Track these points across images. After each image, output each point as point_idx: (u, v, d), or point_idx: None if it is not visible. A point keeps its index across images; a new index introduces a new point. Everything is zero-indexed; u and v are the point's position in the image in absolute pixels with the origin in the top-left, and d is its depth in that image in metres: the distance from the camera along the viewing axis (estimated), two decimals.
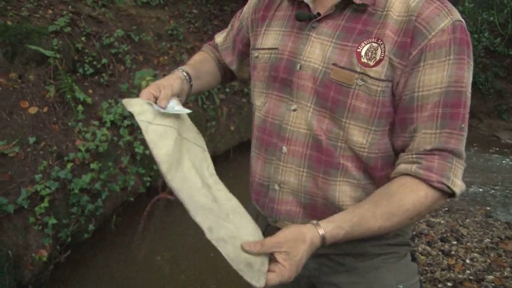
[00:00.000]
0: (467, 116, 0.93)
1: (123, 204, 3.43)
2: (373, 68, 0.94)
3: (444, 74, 0.90)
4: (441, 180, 0.90)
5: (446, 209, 3.95)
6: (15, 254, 2.53)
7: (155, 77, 3.80)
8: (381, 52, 0.94)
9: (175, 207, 3.74)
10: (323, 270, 1.12)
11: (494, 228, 3.51)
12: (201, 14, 6.09)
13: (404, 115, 0.95)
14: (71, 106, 3.38)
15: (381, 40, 0.94)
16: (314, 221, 0.91)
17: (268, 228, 1.15)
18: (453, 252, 3.07)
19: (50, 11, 3.92)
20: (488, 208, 4.07)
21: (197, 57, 1.36)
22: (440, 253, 3.07)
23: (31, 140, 2.96)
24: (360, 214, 0.92)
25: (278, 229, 0.94)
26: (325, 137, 1.01)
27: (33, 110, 3.18)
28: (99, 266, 3.12)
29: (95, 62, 3.84)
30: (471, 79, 0.93)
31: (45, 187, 2.77)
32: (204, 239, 0.92)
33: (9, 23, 3.45)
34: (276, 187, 1.09)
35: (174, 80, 1.12)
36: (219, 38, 1.37)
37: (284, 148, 1.06)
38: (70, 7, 4.12)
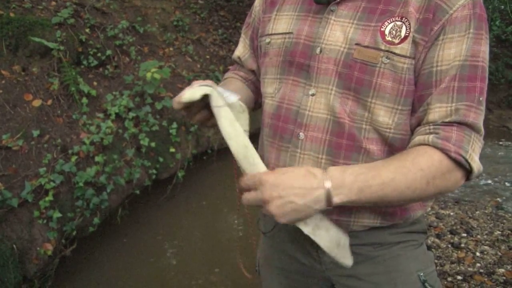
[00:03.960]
0: (485, 90, 0.91)
1: (129, 197, 3.41)
2: (398, 46, 0.93)
3: (462, 47, 0.90)
4: (458, 151, 0.87)
5: (455, 201, 3.89)
6: (20, 248, 2.52)
7: (160, 69, 3.76)
8: (406, 29, 0.93)
9: (180, 201, 3.72)
10: None
11: (504, 220, 3.44)
12: (206, 4, 6.02)
13: (422, 92, 0.94)
14: (75, 99, 3.36)
15: (405, 18, 0.93)
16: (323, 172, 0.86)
17: (277, 226, 1.13)
18: (462, 245, 3.02)
19: (53, 3, 3.89)
20: (498, 199, 4.00)
21: (221, 83, 1.27)
22: (449, 245, 3.02)
23: (35, 133, 2.94)
24: (372, 164, 0.89)
25: (293, 227, 0.89)
26: (348, 119, 0.97)
27: (37, 102, 3.16)
28: (105, 260, 3.11)
29: (99, 54, 3.81)
30: (488, 52, 0.93)
31: (49, 181, 2.75)
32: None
33: (12, 15, 3.42)
34: None
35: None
36: (237, 52, 1.30)
37: (302, 135, 1.01)
38: None
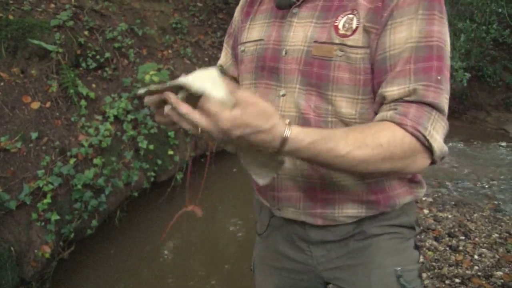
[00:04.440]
0: (444, 69, 0.90)
1: (127, 200, 3.41)
2: (350, 37, 0.95)
3: (413, 29, 0.90)
4: (416, 127, 0.85)
5: (454, 203, 3.90)
6: (17, 250, 2.51)
7: (159, 71, 3.77)
8: (357, 20, 0.95)
9: (178, 204, 3.71)
10: (331, 256, 1.11)
11: (502, 223, 3.45)
12: (205, 7, 6.03)
13: (379, 78, 0.94)
14: (74, 101, 3.36)
15: (356, 10, 0.95)
16: (288, 120, 0.83)
17: (272, 220, 1.17)
18: (460, 248, 3.02)
19: (52, 5, 3.89)
20: (496, 202, 4.01)
21: None
22: (447, 248, 3.03)
23: (34, 135, 2.94)
24: (332, 132, 0.87)
25: (283, 219, 0.99)
26: (313, 114, 1.00)
27: (35, 105, 3.16)
28: (103, 262, 3.10)
29: (98, 57, 3.81)
30: (446, 33, 0.92)
31: (47, 183, 2.75)
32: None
33: (11, 17, 3.42)
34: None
35: None
36: (220, 61, 1.35)
37: None
38: (72, 0, 4.09)
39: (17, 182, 2.70)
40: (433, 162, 0.90)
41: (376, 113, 0.95)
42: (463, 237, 3.19)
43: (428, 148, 0.86)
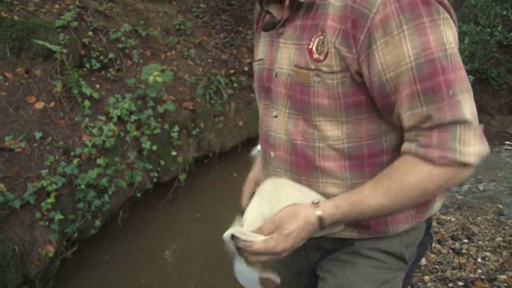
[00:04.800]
0: (454, 77, 0.82)
1: (130, 200, 3.41)
2: (323, 62, 0.91)
3: (404, 48, 0.82)
4: (443, 155, 0.82)
5: (457, 206, 3.88)
6: (21, 249, 2.52)
7: (162, 72, 3.78)
8: (326, 43, 0.90)
9: (181, 204, 3.71)
10: (324, 258, 1.15)
11: (506, 227, 3.44)
12: (208, 8, 6.04)
13: (383, 100, 0.89)
14: (77, 101, 3.37)
15: (325, 32, 0.90)
16: (316, 200, 0.93)
17: None
18: (464, 251, 3.01)
19: (56, 6, 3.90)
20: (500, 206, 3.99)
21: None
22: (450, 251, 3.02)
23: (38, 135, 2.94)
24: (359, 192, 0.90)
25: None
26: (301, 139, 1.01)
27: (39, 105, 3.17)
28: (106, 262, 3.11)
29: (102, 57, 3.82)
30: (445, 35, 0.82)
31: (51, 183, 2.75)
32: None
33: (15, 17, 3.43)
34: None
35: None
36: None
37: (272, 154, 1.09)
38: (77, 1, 4.11)
39: (21, 182, 2.71)
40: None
41: (400, 133, 0.93)
42: (466, 240, 3.18)
43: (466, 163, 0.83)
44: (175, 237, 3.44)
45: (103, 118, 3.41)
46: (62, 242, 2.76)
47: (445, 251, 3.02)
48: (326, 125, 0.96)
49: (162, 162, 3.62)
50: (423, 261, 2.84)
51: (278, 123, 1.05)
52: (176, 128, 3.76)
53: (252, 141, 4.61)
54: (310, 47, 0.93)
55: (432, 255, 2.95)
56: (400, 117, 0.87)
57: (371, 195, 0.88)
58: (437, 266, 2.81)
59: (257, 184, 1.26)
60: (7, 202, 2.52)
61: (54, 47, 3.38)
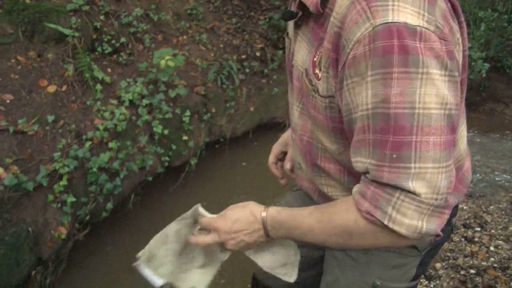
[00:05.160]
0: (408, 143, 0.73)
1: (141, 184, 3.42)
2: (319, 82, 0.87)
3: (364, 94, 0.75)
4: (371, 211, 0.78)
5: (469, 195, 3.84)
6: (35, 231, 2.55)
7: (174, 57, 3.76)
8: (322, 65, 0.86)
9: (192, 189, 3.71)
10: None
11: None
12: None
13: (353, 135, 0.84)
14: (89, 85, 3.37)
15: (321, 51, 0.85)
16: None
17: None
18: (476, 239, 2.99)
19: None
20: None
21: None
22: (463, 239, 2.99)
23: (50, 118, 2.96)
24: (301, 210, 0.93)
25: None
26: (307, 136, 1.02)
27: (52, 88, 3.18)
28: (118, 245, 3.13)
29: (113, 41, 3.81)
30: (418, 93, 0.71)
31: (63, 166, 2.77)
32: None
33: (27, 1, 3.43)
34: (298, 165, 1.19)
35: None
36: None
37: (293, 136, 1.14)
38: None
39: (34, 164, 2.73)
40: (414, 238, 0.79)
41: None
42: (478, 229, 3.15)
43: (394, 231, 0.77)
44: None
45: (115, 102, 3.41)
46: (74, 224, 2.79)
47: (457, 239, 3.00)
48: (322, 136, 0.96)
49: (174, 147, 3.62)
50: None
51: (293, 114, 1.08)
52: (188, 113, 3.76)
53: (263, 127, 4.59)
54: (314, 59, 0.88)
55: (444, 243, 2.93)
56: (353, 157, 0.83)
57: (306, 217, 0.90)
58: (448, 254, 2.79)
59: (286, 145, 1.37)
60: (20, 184, 2.54)
61: (66, 31, 3.38)
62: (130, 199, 3.36)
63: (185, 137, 3.74)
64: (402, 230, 0.76)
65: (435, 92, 0.71)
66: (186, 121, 3.73)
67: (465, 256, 2.76)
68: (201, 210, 1.11)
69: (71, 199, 2.71)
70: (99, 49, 3.71)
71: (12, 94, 2.99)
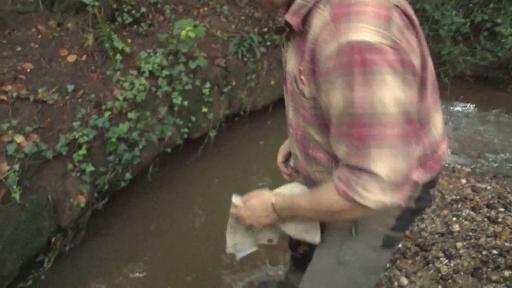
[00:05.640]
0: (369, 134, 0.92)
1: (160, 155, 3.43)
2: (304, 86, 1.06)
3: (338, 97, 0.93)
4: (346, 192, 0.99)
5: (493, 175, 3.73)
6: (54, 199, 2.58)
7: (195, 28, 3.70)
8: (304, 71, 1.04)
9: (210, 162, 3.66)
10: None
11: None
12: None
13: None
14: (109, 55, 3.35)
15: (303, 61, 1.04)
16: (279, 192, 1.29)
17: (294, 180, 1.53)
18: (500, 220, 2.90)
19: None
20: None
21: None
22: (485, 219, 2.91)
23: (70, 88, 2.96)
24: (300, 195, 1.21)
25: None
26: (301, 131, 1.21)
27: (71, 58, 3.17)
28: (135, 215, 3.16)
29: (133, 11, 3.77)
30: (377, 96, 0.89)
31: (83, 135, 2.78)
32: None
33: None
34: (295, 156, 1.35)
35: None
36: None
37: (290, 130, 1.29)
38: None
39: (54, 133, 2.74)
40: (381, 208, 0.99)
41: None
42: (502, 209, 3.06)
43: (364, 206, 0.98)
44: (203, 193, 3.46)
45: (135, 72, 3.39)
46: (93, 193, 2.81)
47: (480, 219, 2.92)
48: (312, 131, 1.15)
49: (193, 118, 3.60)
50: (456, 227, 2.76)
51: (289, 112, 1.26)
52: (208, 85, 3.71)
53: (283, 101, 4.51)
54: (300, 67, 1.05)
55: (466, 222, 2.86)
56: (333, 146, 1.04)
57: (302, 201, 1.15)
58: (470, 233, 2.72)
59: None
60: (40, 153, 2.56)
61: (86, 0, 3.35)
62: (149, 170, 3.37)
63: (204, 109, 3.71)
64: (370, 205, 0.96)
65: (389, 94, 0.89)
66: (206, 93, 3.70)
67: (488, 236, 2.69)
68: (233, 199, 1.36)
69: (90, 168, 2.72)
70: (119, 19, 3.67)
71: (32, 63, 3.00)
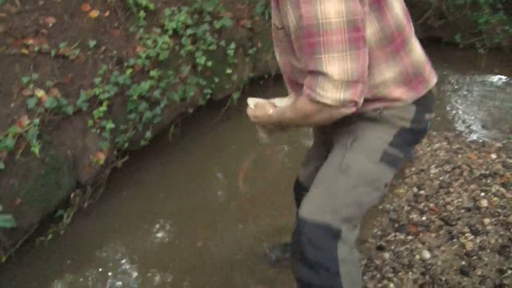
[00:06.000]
0: (318, 42, 1.12)
1: (182, 116, 3.38)
2: (276, 19, 1.37)
3: (291, 16, 1.21)
4: (309, 94, 1.19)
5: None
6: (74, 155, 2.58)
7: None
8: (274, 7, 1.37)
9: (232, 125, 3.57)
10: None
11: None
12: None
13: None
14: (132, 12, 3.26)
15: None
16: (278, 105, 1.54)
17: (313, 131, 2.01)
18: None
19: None
20: None
21: None
22: None
23: (92, 43, 2.90)
24: (284, 107, 1.43)
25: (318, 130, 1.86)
26: (288, 66, 1.46)
27: (94, 13, 3.10)
28: (155, 175, 3.15)
29: None
30: (320, 9, 1.09)
31: (104, 91, 2.74)
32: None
33: None
34: (289, 90, 1.64)
35: None
36: None
37: (282, 69, 1.56)
38: None
39: (75, 89, 2.72)
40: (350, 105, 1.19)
41: None
42: None
43: (324, 104, 1.17)
44: (224, 156, 3.41)
45: (158, 30, 3.31)
46: (113, 151, 2.80)
47: (510, 196, 2.79)
48: (292, 59, 1.39)
49: (216, 79, 3.51)
50: (484, 203, 2.64)
51: (278, 56, 1.53)
52: (233, 46, 3.60)
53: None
54: (272, 4, 1.38)
55: (495, 198, 2.74)
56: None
57: (287, 111, 1.37)
58: (499, 210, 2.60)
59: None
60: (60, 108, 2.54)
61: None
62: (170, 130, 3.33)
63: (228, 71, 3.61)
64: (328, 102, 1.15)
65: (330, 5, 1.08)
66: (230, 54, 3.59)
67: None
68: (248, 101, 1.66)
69: (110, 125, 2.70)
70: None
71: (54, 17, 2.95)
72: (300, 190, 1.86)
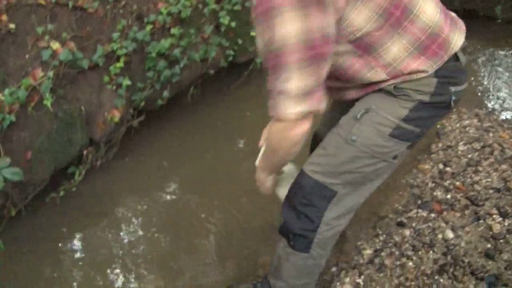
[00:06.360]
0: (272, 64, 1.12)
1: (202, 77, 3.26)
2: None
3: (259, 41, 1.14)
4: (272, 114, 1.19)
5: None
6: (88, 111, 2.52)
7: None
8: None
9: (253, 90, 3.44)
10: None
11: None
12: None
13: None
14: None
15: None
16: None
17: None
18: None
19: None
20: None
21: None
22: None
23: None
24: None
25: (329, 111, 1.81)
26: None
27: None
28: (171, 136, 3.08)
29: None
30: (276, 34, 1.06)
31: (121, 47, 2.65)
32: None
33: None
34: None
35: None
36: None
37: None
38: None
39: (92, 43, 2.63)
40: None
41: None
42: None
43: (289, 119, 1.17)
44: (244, 120, 3.31)
45: None
46: (128, 109, 2.72)
47: None
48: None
49: (240, 41, 3.37)
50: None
51: None
52: None
53: None
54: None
55: None
56: None
57: (265, 146, 1.46)
58: None
59: None
60: (75, 62, 2.46)
61: None
62: (189, 91, 3.23)
63: (253, 33, 3.46)
64: (292, 117, 1.15)
65: (288, 28, 1.05)
66: None
67: None
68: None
69: (126, 82, 2.61)
70: None
71: None
72: (317, 143, 1.87)
